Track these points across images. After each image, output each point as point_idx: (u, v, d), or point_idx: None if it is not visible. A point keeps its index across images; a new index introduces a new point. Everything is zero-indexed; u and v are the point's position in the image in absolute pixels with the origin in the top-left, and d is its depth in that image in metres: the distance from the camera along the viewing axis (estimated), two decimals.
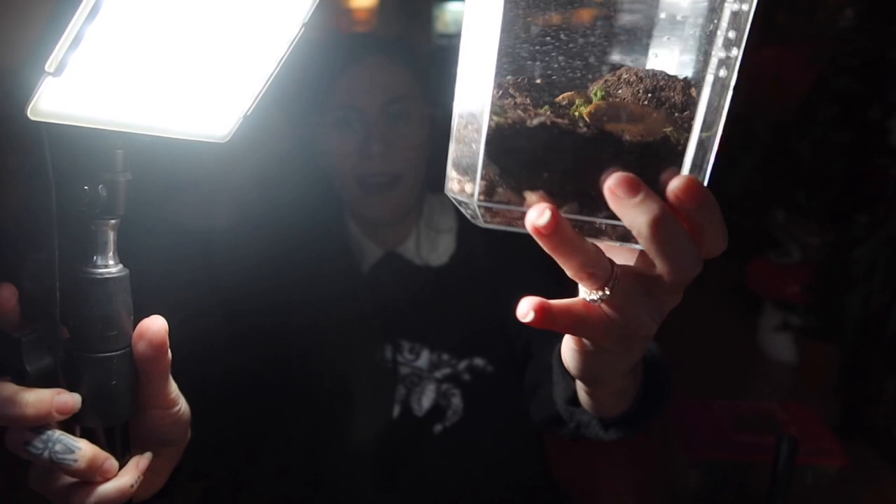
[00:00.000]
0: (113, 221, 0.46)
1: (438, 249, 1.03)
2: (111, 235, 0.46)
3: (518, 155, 0.38)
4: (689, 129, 0.38)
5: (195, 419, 0.57)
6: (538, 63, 0.39)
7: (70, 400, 0.45)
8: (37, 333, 0.45)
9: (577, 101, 0.39)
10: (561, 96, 0.39)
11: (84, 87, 0.37)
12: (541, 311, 0.39)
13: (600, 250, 0.39)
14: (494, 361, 0.99)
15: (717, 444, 1.86)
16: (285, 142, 1.01)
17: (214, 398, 0.63)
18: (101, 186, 0.44)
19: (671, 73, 0.39)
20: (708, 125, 0.39)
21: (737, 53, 0.38)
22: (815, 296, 2.60)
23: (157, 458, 0.53)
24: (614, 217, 0.38)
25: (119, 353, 0.47)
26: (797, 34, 2.90)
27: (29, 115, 0.36)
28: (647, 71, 0.39)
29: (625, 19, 0.39)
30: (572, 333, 0.43)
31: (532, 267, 1.04)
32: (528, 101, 0.39)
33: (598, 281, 0.39)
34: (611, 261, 0.39)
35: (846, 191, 2.60)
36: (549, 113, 0.38)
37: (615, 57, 0.40)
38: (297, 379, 0.94)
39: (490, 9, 0.37)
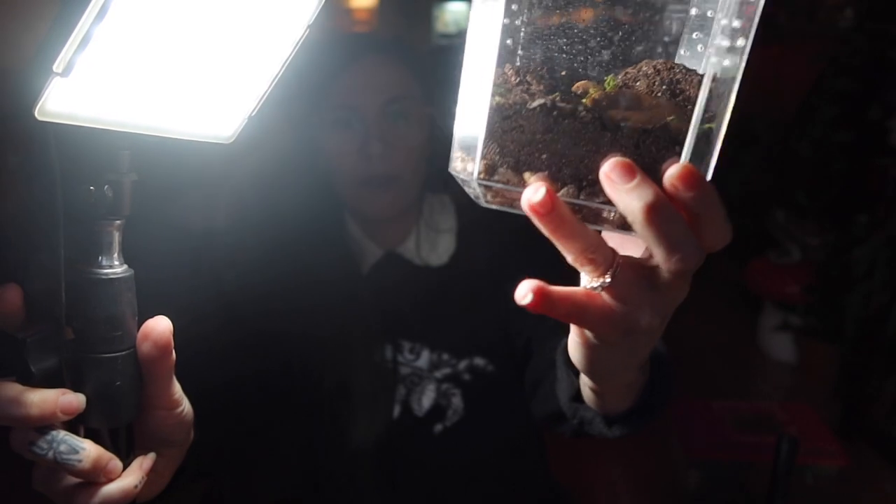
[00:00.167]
0: (118, 222, 0.46)
1: (438, 249, 1.03)
2: (116, 236, 0.46)
3: (517, 136, 0.38)
4: (678, 123, 0.39)
5: (196, 420, 0.57)
6: (555, 51, 0.40)
7: (75, 400, 0.45)
8: (42, 334, 0.45)
9: (590, 90, 0.39)
10: (576, 85, 0.40)
11: (91, 88, 0.37)
12: (539, 295, 0.39)
13: (601, 237, 0.39)
14: (494, 361, 0.99)
15: (717, 444, 1.86)
16: (285, 142, 1.01)
17: (215, 398, 0.63)
18: (106, 187, 0.44)
19: (691, 65, 0.39)
20: (710, 117, 0.39)
21: (744, 44, 0.38)
22: (815, 296, 2.61)
23: (161, 459, 0.53)
24: (611, 202, 0.38)
25: (124, 353, 0.47)
26: (797, 34, 2.90)
27: (36, 115, 0.36)
28: (666, 63, 0.39)
29: (634, 12, 0.39)
30: (573, 322, 0.43)
31: (533, 266, 1.04)
32: (540, 86, 0.39)
33: (598, 267, 0.39)
34: (612, 249, 0.39)
35: (846, 191, 2.60)
36: (551, 96, 0.38)
37: (631, 48, 0.40)
38: (297, 379, 0.94)
39: None
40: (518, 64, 0.40)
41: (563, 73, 0.40)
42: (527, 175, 0.39)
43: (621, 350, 0.44)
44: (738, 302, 3.07)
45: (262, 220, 1.01)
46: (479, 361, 0.98)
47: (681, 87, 0.39)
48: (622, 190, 0.36)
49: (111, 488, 0.48)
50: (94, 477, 0.47)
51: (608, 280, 0.39)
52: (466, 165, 0.40)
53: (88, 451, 0.46)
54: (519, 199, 0.38)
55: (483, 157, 0.39)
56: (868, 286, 2.34)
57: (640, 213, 0.36)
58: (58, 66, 0.34)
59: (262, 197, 1.05)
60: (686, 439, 1.89)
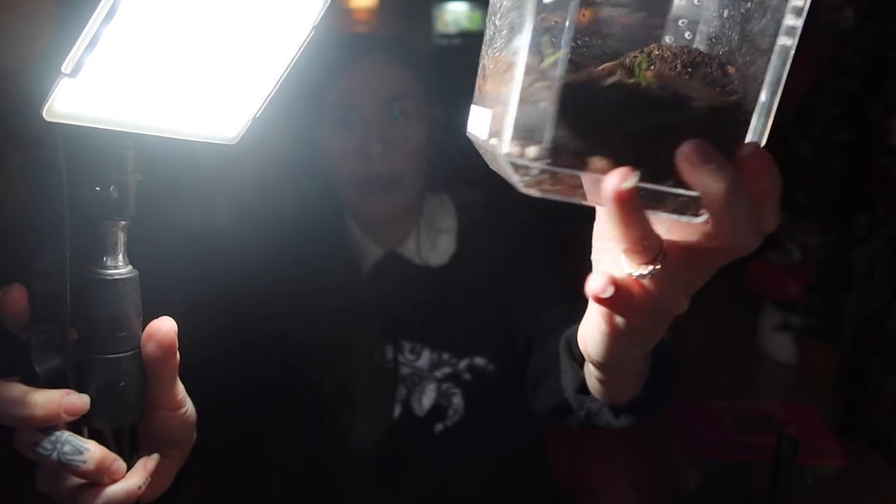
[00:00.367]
0: (123, 222, 0.46)
1: (438, 249, 1.03)
2: (121, 236, 0.46)
3: (589, 116, 0.36)
4: (745, 101, 0.38)
5: (198, 420, 0.57)
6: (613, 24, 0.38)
7: (79, 401, 0.45)
8: (46, 334, 0.45)
9: (643, 66, 0.38)
10: (628, 59, 0.38)
11: (98, 89, 0.37)
12: (615, 285, 0.38)
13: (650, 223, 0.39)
14: (495, 361, 0.99)
15: (717, 444, 1.86)
16: (285, 142, 1.01)
17: (216, 399, 0.63)
18: (112, 187, 0.44)
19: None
20: (771, 94, 0.39)
21: (800, 24, 0.38)
22: (815, 296, 2.61)
23: (164, 460, 0.53)
24: (680, 186, 0.37)
25: (128, 354, 0.47)
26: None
27: (44, 115, 0.36)
28: (680, 47, 0.39)
29: None
30: (618, 310, 0.42)
31: (533, 266, 1.05)
32: (607, 63, 0.38)
33: (650, 255, 0.38)
34: (658, 235, 0.39)
35: (846, 191, 2.60)
36: (620, 74, 0.37)
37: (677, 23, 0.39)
38: (297, 379, 0.94)
39: None
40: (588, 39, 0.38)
41: (625, 48, 0.38)
42: (594, 159, 0.36)
43: (642, 334, 0.45)
44: (738, 302, 3.07)
45: (263, 220, 1.01)
46: (479, 361, 0.98)
47: (701, 70, 0.38)
48: (704, 171, 0.35)
49: (115, 489, 0.47)
50: (98, 478, 0.47)
51: (658, 267, 0.39)
52: (526, 150, 0.37)
53: (92, 451, 0.46)
54: (579, 186, 0.37)
55: (552, 139, 0.36)
56: (868, 286, 2.34)
57: (721, 196, 0.35)
58: (66, 66, 0.34)
59: (263, 197, 1.05)
60: (686, 439, 1.89)
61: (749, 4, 0.39)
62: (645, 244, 0.37)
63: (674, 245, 0.40)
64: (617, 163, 0.36)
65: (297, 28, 0.45)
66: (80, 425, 0.47)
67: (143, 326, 0.48)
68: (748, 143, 0.38)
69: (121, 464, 0.48)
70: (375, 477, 0.94)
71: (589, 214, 0.49)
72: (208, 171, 0.92)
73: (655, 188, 0.37)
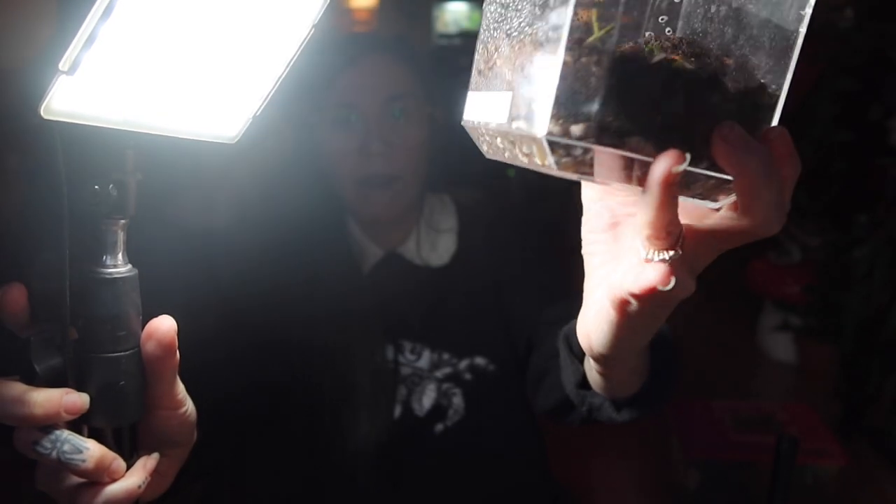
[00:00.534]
0: (123, 221, 0.46)
1: (439, 249, 1.03)
2: (121, 235, 0.46)
3: (636, 93, 0.35)
4: (770, 86, 0.38)
5: (198, 420, 0.57)
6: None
7: (78, 400, 0.45)
8: (46, 333, 0.45)
9: (652, 47, 0.37)
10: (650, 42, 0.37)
11: (96, 87, 0.37)
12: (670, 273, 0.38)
13: None
14: (495, 361, 0.99)
15: (717, 444, 1.86)
16: (285, 141, 1.01)
17: (216, 399, 0.63)
18: (111, 186, 0.44)
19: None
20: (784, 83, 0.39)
21: (810, 11, 0.38)
22: (815, 296, 2.60)
23: (164, 459, 0.53)
24: (712, 169, 0.37)
25: (128, 353, 0.47)
26: None
27: (42, 114, 0.36)
28: (678, 38, 0.38)
29: None
30: (640, 297, 0.41)
31: (534, 265, 1.05)
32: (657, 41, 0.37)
33: (672, 240, 0.38)
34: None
35: (846, 191, 2.59)
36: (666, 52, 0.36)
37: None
38: (297, 380, 0.94)
39: None
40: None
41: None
42: (636, 139, 0.36)
43: (652, 321, 0.45)
44: (738, 302, 3.06)
45: (263, 220, 1.01)
46: (479, 361, 0.98)
47: (701, 61, 0.38)
48: (741, 153, 0.35)
49: (115, 488, 0.47)
50: (98, 477, 0.47)
51: (680, 252, 0.39)
52: (570, 128, 0.35)
53: (92, 450, 0.46)
54: (619, 167, 0.36)
55: (600, 116, 0.35)
56: (868, 286, 2.34)
57: (756, 177, 0.36)
58: (64, 64, 0.34)
59: (263, 197, 1.05)
60: (686, 439, 1.89)
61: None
62: (670, 230, 0.37)
63: (689, 229, 0.40)
64: (658, 143, 0.35)
65: (297, 26, 0.45)
66: (79, 424, 0.47)
67: (143, 325, 0.48)
68: (775, 127, 0.39)
69: (120, 463, 0.48)
70: (376, 477, 0.94)
71: (577, 208, 0.49)
72: (208, 171, 0.92)
73: (691, 170, 0.37)
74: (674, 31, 0.39)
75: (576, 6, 0.34)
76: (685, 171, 0.35)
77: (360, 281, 1.00)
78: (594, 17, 0.35)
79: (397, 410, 0.95)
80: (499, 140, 0.42)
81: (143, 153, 0.46)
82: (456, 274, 1.02)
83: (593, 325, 0.47)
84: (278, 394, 0.93)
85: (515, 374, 0.99)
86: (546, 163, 0.37)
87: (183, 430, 0.53)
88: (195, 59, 0.42)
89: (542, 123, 0.35)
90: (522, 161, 0.40)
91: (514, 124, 0.38)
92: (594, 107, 0.35)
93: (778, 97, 0.39)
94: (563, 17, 0.35)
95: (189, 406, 0.53)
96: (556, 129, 0.35)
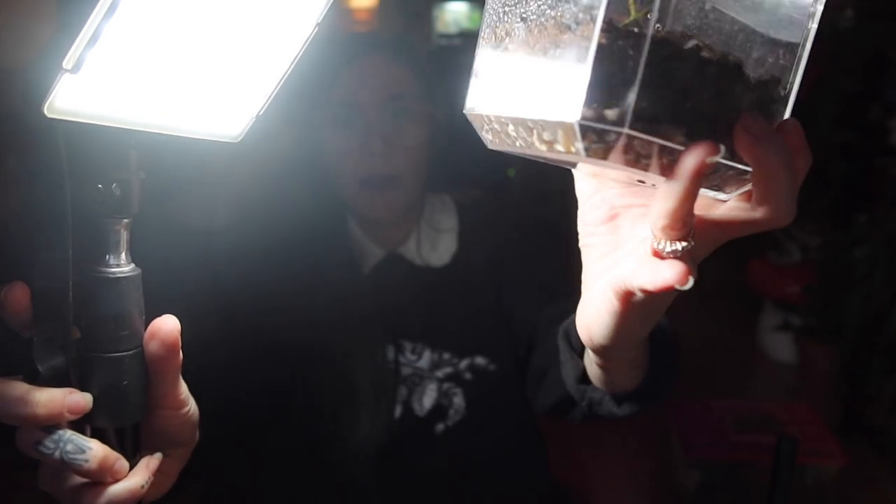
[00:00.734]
0: (126, 221, 0.46)
1: (439, 249, 1.03)
2: (124, 235, 0.46)
3: (671, 79, 0.35)
4: (783, 78, 0.38)
5: (200, 419, 0.57)
6: None
7: (82, 400, 0.45)
8: (48, 333, 0.45)
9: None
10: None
11: (100, 86, 0.37)
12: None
13: None
14: (496, 360, 0.99)
15: (717, 444, 1.86)
16: (286, 141, 1.01)
17: (216, 399, 0.63)
18: (114, 185, 0.44)
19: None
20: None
21: (821, 9, 0.39)
22: (815, 296, 2.60)
23: (167, 459, 0.53)
24: (733, 159, 0.36)
25: (131, 352, 0.47)
26: None
27: (45, 112, 0.36)
28: (678, 32, 0.37)
29: None
30: (649, 288, 0.41)
31: (534, 265, 1.05)
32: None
33: (685, 231, 0.38)
34: None
35: (846, 191, 2.60)
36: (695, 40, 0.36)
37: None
38: (298, 380, 0.94)
39: None
40: None
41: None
42: (669, 127, 0.35)
43: (655, 311, 0.45)
44: (738, 302, 3.07)
45: (264, 219, 1.01)
46: (480, 361, 0.98)
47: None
48: (764, 144, 0.35)
49: (118, 488, 0.47)
50: (101, 477, 0.47)
51: (692, 243, 0.39)
52: (605, 112, 0.34)
53: (95, 450, 0.46)
54: (646, 154, 0.36)
55: (635, 101, 0.33)
56: (868, 286, 2.34)
57: (776, 168, 0.36)
58: (67, 62, 0.34)
59: (264, 196, 1.05)
60: (686, 439, 1.89)
61: None
62: (685, 220, 0.37)
63: (696, 219, 0.40)
64: (688, 132, 0.35)
65: (300, 25, 0.45)
66: (82, 424, 0.47)
67: (146, 325, 0.48)
68: (789, 119, 0.39)
69: (123, 463, 0.48)
70: (376, 476, 0.94)
71: (577, 206, 0.49)
72: (210, 170, 0.92)
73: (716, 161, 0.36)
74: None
75: None
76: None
77: (361, 281, 1.00)
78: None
79: (398, 410, 0.95)
80: (511, 127, 0.40)
81: (146, 152, 0.46)
82: (456, 274, 1.02)
83: (594, 316, 0.47)
84: (279, 393, 0.93)
85: (516, 373, 0.99)
86: (573, 149, 0.36)
87: (185, 429, 0.53)
88: (199, 57, 0.41)
89: (575, 108, 0.34)
90: (540, 149, 0.39)
91: (539, 110, 0.37)
92: (630, 91, 0.33)
93: (790, 92, 0.39)
94: None
95: (191, 405, 0.53)
96: (590, 113, 0.34)
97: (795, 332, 2.74)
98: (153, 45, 0.38)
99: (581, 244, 0.49)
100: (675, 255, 0.38)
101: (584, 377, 0.63)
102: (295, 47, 0.46)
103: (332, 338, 0.94)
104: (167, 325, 0.48)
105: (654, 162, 0.36)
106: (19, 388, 0.44)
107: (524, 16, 0.40)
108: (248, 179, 1.06)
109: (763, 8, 0.39)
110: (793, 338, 2.78)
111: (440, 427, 0.96)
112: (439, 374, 0.97)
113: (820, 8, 0.39)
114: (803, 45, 0.39)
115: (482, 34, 0.43)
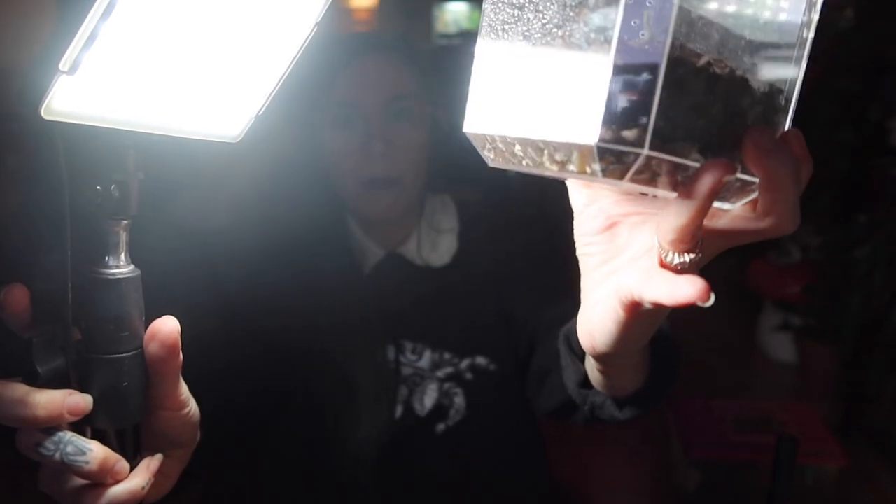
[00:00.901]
0: (125, 222, 0.46)
1: (440, 249, 1.03)
2: (123, 236, 0.46)
3: (685, 98, 0.35)
4: (784, 88, 0.39)
5: (200, 420, 0.57)
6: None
7: (82, 401, 0.45)
8: (48, 334, 0.45)
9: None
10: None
11: (97, 87, 0.37)
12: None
13: None
14: (496, 360, 0.99)
15: (717, 444, 1.86)
16: (286, 141, 1.01)
17: (217, 400, 0.63)
18: (113, 186, 0.43)
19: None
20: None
21: (816, 17, 0.39)
22: (815, 296, 2.61)
23: (167, 460, 0.53)
24: (742, 171, 0.37)
25: (131, 354, 0.47)
26: None
27: (42, 114, 0.36)
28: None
29: None
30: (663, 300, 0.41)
31: (535, 265, 1.05)
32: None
33: (694, 243, 0.38)
34: None
35: (846, 191, 2.60)
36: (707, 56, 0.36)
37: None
38: (298, 380, 0.94)
39: None
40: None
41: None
42: (684, 144, 0.35)
43: (657, 319, 0.45)
44: (738, 302, 3.07)
45: (263, 220, 1.01)
46: (480, 361, 0.98)
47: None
48: (772, 156, 0.36)
49: (118, 490, 0.47)
50: (102, 478, 0.46)
51: (700, 254, 0.39)
52: (622, 133, 0.34)
53: (95, 452, 0.45)
54: (664, 172, 0.36)
55: (654, 121, 0.33)
56: (868, 286, 2.34)
57: (784, 180, 0.36)
58: (64, 64, 0.34)
59: (263, 197, 1.05)
60: (686, 439, 1.89)
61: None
62: (695, 234, 0.38)
63: (707, 231, 0.40)
64: (701, 149, 0.35)
65: (299, 25, 0.44)
66: (82, 426, 0.47)
67: (146, 326, 0.48)
68: (791, 130, 0.39)
69: (124, 464, 0.47)
70: (377, 477, 0.94)
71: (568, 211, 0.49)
72: (210, 171, 0.92)
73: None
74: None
75: (626, 7, 0.33)
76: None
77: (361, 281, 1.00)
78: (647, 17, 0.33)
79: (398, 410, 0.95)
80: (517, 147, 0.40)
81: (144, 153, 0.46)
82: (457, 274, 1.02)
83: (597, 324, 0.47)
84: (279, 394, 0.93)
85: (516, 373, 0.99)
86: (589, 170, 0.35)
87: (186, 430, 0.53)
88: (197, 57, 0.41)
89: (592, 130, 0.34)
90: (551, 169, 0.38)
91: (551, 131, 0.36)
92: (649, 112, 0.33)
93: (790, 101, 0.39)
94: (610, 18, 0.33)
95: (192, 406, 0.53)
96: (609, 135, 0.34)
97: (795, 332, 2.74)
98: (151, 46, 0.38)
99: (579, 253, 0.49)
100: (683, 267, 0.39)
101: (585, 381, 0.63)
102: (294, 47, 0.45)
103: (332, 338, 0.94)
104: (167, 326, 0.47)
105: (667, 179, 0.36)
106: (19, 389, 0.44)
107: (527, 34, 0.39)
108: (247, 180, 1.06)
109: (760, 21, 0.39)
110: (793, 338, 2.78)
111: (441, 427, 0.96)
112: (440, 374, 0.97)
113: (815, 17, 0.39)
114: (801, 55, 0.39)
115: (479, 52, 0.42)
